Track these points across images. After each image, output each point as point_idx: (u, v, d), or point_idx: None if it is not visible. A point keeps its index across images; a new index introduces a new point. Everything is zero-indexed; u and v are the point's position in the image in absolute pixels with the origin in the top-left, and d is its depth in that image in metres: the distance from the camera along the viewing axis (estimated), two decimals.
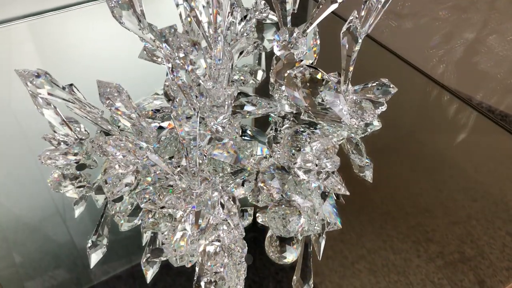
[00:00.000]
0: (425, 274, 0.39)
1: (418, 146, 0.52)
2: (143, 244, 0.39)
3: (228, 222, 0.33)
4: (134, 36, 0.41)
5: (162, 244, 0.35)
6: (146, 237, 0.39)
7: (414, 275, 0.39)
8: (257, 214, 0.39)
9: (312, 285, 0.37)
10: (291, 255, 0.38)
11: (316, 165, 0.37)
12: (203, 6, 0.36)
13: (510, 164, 0.49)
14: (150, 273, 0.37)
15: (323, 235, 0.40)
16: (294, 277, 0.38)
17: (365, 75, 0.51)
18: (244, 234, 0.35)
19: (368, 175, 0.46)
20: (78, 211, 0.43)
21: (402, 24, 0.67)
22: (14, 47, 0.66)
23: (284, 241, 0.38)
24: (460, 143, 0.52)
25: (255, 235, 0.40)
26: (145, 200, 0.36)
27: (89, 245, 0.39)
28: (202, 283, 0.33)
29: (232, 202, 0.33)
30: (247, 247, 0.34)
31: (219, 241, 0.33)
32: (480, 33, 0.56)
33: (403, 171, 0.49)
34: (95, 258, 0.39)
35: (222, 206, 0.33)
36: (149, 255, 0.37)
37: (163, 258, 0.37)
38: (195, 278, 0.34)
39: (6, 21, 0.69)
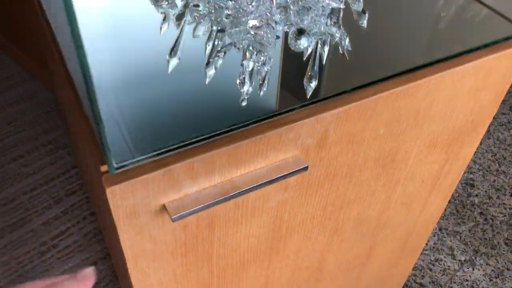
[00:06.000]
0: None
1: None
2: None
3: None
4: None
5: None
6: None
7: None
8: None
9: (317, 81, 0.57)
10: (305, 43, 0.59)
11: None
12: None
13: None
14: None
15: (328, 45, 0.61)
16: (305, 78, 0.58)
17: None
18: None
19: (364, 23, 0.65)
20: (163, 29, 0.64)
21: None
22: None
23: (301, 33, 0.59)
24: None
25: None
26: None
27: (168, 53, 0.59)
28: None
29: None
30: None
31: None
32: None
33: None
34: (172, 64, 0.59)
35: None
36: None
37: None
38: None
39: None
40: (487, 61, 0.62)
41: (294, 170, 0.53)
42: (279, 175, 0.53)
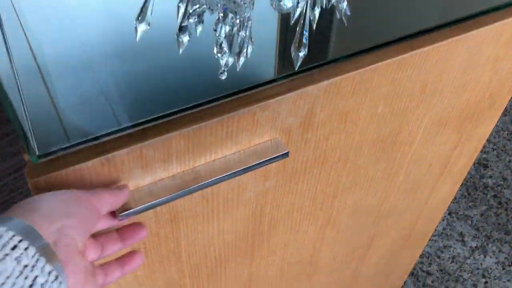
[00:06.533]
0: None
1: None
2: None
3: None
4: None
5: None
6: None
7: None
8: None
9: (306, 51, 0.48)
10: (289, 3, 0.49)
11: None
12: None
13: None
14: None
15: (318, 6, 0.51)
16: (292, 46, 0.49)
17: None
18: None
19: None
20: None
21: None
22: None
23: None
24: None
25: None
26: None
27: (136, 17, 0.51)
28: None
29: None
30: None
31: None
32: None
33: None
34: (140, 30, 0.51)
35: None
36: None
37: None
38: None
39: None
40: (510, 24, 0.52)
41: (273, 156, 0.44)
42: (255, 163, 0.44)
